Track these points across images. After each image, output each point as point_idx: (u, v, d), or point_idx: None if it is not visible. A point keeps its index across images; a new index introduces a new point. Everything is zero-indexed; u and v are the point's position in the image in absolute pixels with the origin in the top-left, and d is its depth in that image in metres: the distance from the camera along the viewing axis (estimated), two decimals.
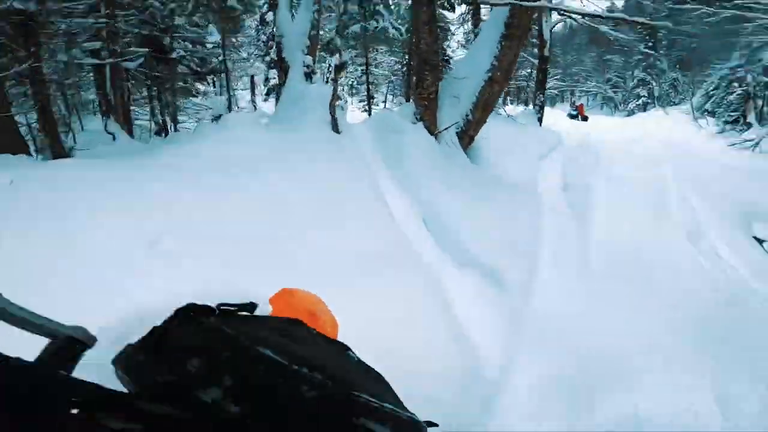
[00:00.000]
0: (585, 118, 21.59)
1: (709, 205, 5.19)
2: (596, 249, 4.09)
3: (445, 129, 5.41)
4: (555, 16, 12.60)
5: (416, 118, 5.34)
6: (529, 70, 20.96)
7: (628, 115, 25.17)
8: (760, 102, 16.64)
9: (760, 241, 4.35)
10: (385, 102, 25.68)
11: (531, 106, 15.04)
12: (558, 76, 35.95)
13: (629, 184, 6.16)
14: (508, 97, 24.16)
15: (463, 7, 15.13)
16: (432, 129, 5.35)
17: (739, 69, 17.16)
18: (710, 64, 19.49)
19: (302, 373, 0.39)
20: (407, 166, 4.30)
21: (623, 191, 5.79)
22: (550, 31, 12.96)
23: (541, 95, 13.41)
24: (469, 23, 15.21)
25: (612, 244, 4.16)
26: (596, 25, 12.46)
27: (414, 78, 6.04)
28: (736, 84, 17.10)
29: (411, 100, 5.84)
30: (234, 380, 0.37)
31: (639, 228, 4.56)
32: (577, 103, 25.69)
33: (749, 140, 10.74)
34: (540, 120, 12.93)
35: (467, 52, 7.06)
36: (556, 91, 35.97)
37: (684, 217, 4.90)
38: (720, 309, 3.12)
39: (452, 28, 18.72)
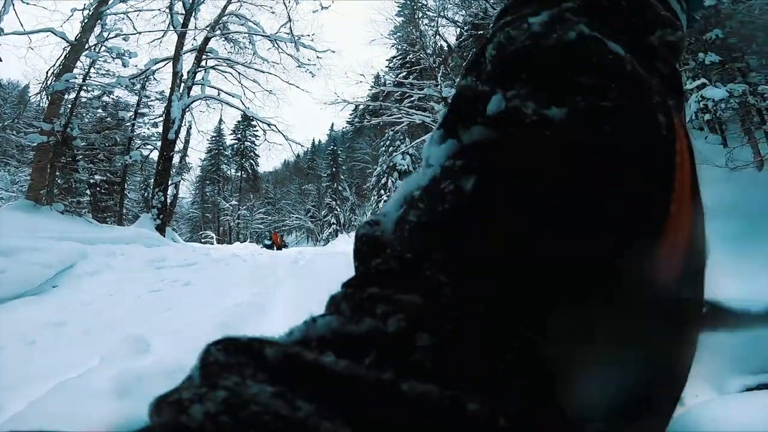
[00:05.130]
0: (281, 247, 21.22)
1: None
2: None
3: None
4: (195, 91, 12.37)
5: None
6: None
7: (325, 245, 26.94)
8: None
9: None
10: None
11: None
12: (265, 210, 38.48)
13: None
14: None
15: None
16: None
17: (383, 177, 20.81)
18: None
19: None
20: None
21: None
22: (184, 110, 11.55)
23: (161, 192, 10.85)
24: None
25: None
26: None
27: None
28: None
29: None
30: None
31: None
32: (273, 232, 26.25)
33: None
34: (162, 228, 10.36)
35: None
36: (263, 226, 37.24)
37: None
38: None
39: None
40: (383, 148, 22.12)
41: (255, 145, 37.00)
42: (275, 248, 21.73)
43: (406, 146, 19.19)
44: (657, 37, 0.25)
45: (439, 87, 16.16)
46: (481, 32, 18.83)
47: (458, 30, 21.97)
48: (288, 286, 5.60)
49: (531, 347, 0.17)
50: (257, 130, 33.09)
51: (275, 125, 12.95)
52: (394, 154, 20.34)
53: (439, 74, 16.59)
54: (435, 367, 0.16)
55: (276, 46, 13.15)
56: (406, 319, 0.17)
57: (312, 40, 12.99)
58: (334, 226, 32.61)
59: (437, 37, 19.59)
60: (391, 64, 24.01)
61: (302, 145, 14.31)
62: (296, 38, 12.87)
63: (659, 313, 0.19)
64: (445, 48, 22.48)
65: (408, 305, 0.18)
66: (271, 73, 13.41)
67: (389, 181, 21.83)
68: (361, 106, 24.41)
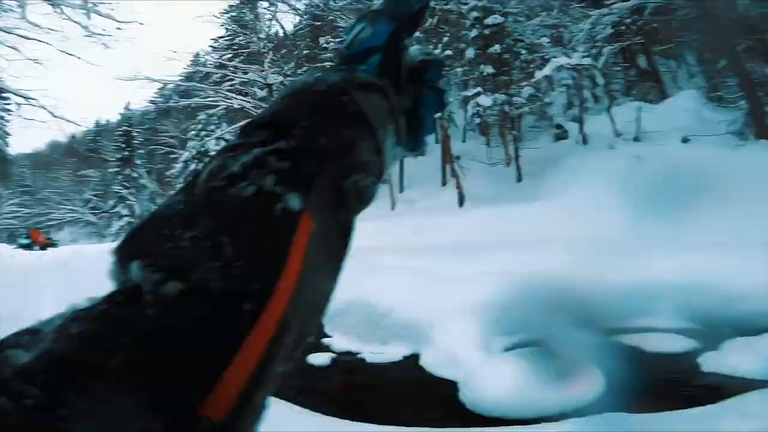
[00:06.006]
0: (46, 246, 18.62)
1: None
2: None
3: None
4: None
5: None
6: None
7: (114, 240, 26.84)
8: None
9: None
10: None
11: None
12: (20, 201, 31.31)
13: None
14: None
15: None
16: None
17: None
18: None
19: None
20: None
21: None
22: None
23: None
24: None
25: None
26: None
27: None
28: None
29: None
30: None
31: None
32: (32, 229, 23.78)
33: None
34: None
35: None
36: (16, 222, 30.52)
37: None
38: None
39: None
40: (194, 132, 19.80)
41: (4, 121, 27.65)
42: (38, 248, 16.95)
43: (222, 131, 17.66)
44: (351, 182, 0.28)
45: (265, 73, 15.32)
46: (319, 23, 18.78)
47: (297, 18, 21.44)
48: (50, 295, 4.28)
49: None
50: (9, 104, 24.53)
51: (36, 99, 9.85)
52: (207, 138, 18.54)
53: (267, 60, 15.72)
54: None
55: (60, 11, 9.98)
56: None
57: (113, 9, 10.42)
58: (127, 218, 27.11)
59: (273, 21, 18.58)
60: (216, 44, 22.29)
61: (78, 124, 11.41)
62: (90, 5, 10.03)
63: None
64: (280, 34, 21.59)
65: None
66: (42, 42, 10.12)
67: (199, 167, 19.53)
68: (171, 86, 21.17)
